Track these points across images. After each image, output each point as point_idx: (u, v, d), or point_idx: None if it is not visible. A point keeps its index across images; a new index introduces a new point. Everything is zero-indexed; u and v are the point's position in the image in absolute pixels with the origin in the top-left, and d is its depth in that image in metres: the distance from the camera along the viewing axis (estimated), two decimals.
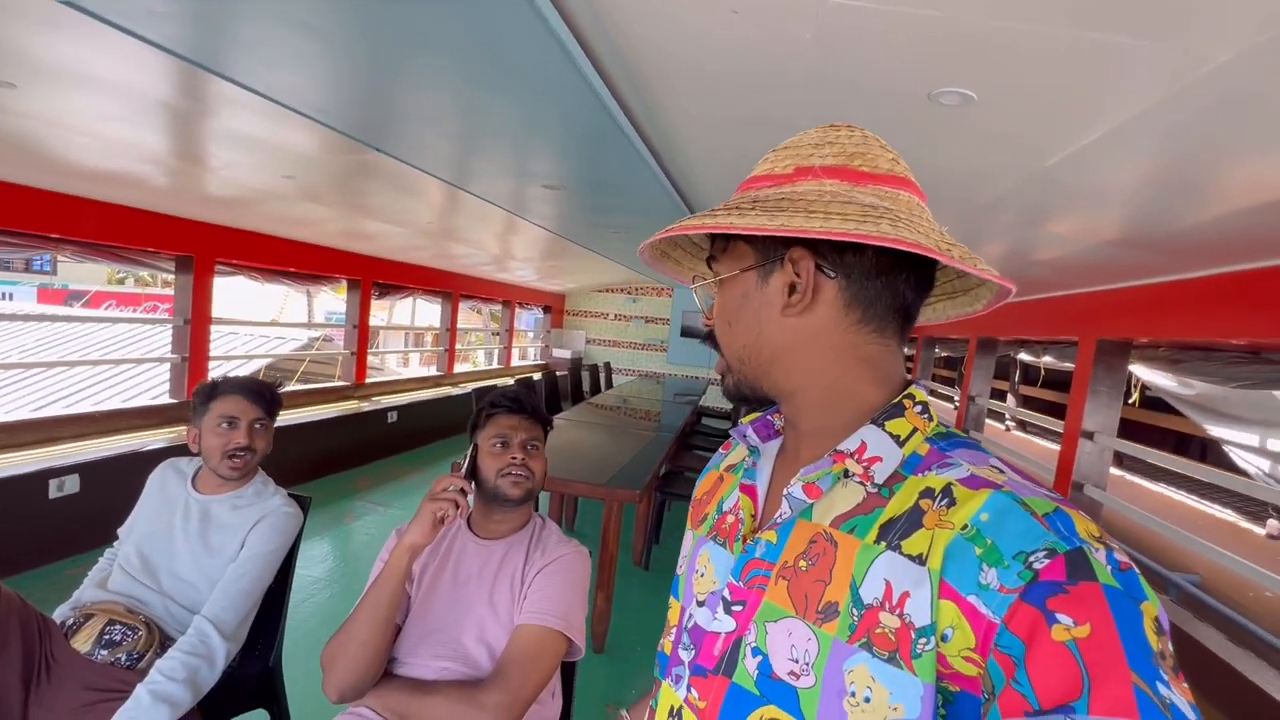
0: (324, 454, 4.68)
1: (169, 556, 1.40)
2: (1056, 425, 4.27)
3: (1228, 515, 4.06)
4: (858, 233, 0.47)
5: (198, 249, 3.91)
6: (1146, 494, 4.52)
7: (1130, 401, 4.42)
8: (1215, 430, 3.62)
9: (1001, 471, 0.47)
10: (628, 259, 6.30)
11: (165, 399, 4.05)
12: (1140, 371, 3.57)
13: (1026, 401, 6.48)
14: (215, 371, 4.45)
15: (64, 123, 2.17)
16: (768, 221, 0.49)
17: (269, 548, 1.41)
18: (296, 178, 2.97)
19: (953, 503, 0.46)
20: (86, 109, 2.03)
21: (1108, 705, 0.36)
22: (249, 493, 1.48)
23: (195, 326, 3.98)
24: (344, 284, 5.65)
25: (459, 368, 7.59)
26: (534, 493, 1.24)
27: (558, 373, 6.52)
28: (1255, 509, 4.00)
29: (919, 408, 0.54)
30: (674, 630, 0.63)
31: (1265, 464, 3.38)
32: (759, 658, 0.51)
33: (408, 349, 13.56)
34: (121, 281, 20.52)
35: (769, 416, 0.66)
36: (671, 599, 0.67)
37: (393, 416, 5.51)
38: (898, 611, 0.44)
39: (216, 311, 4.17)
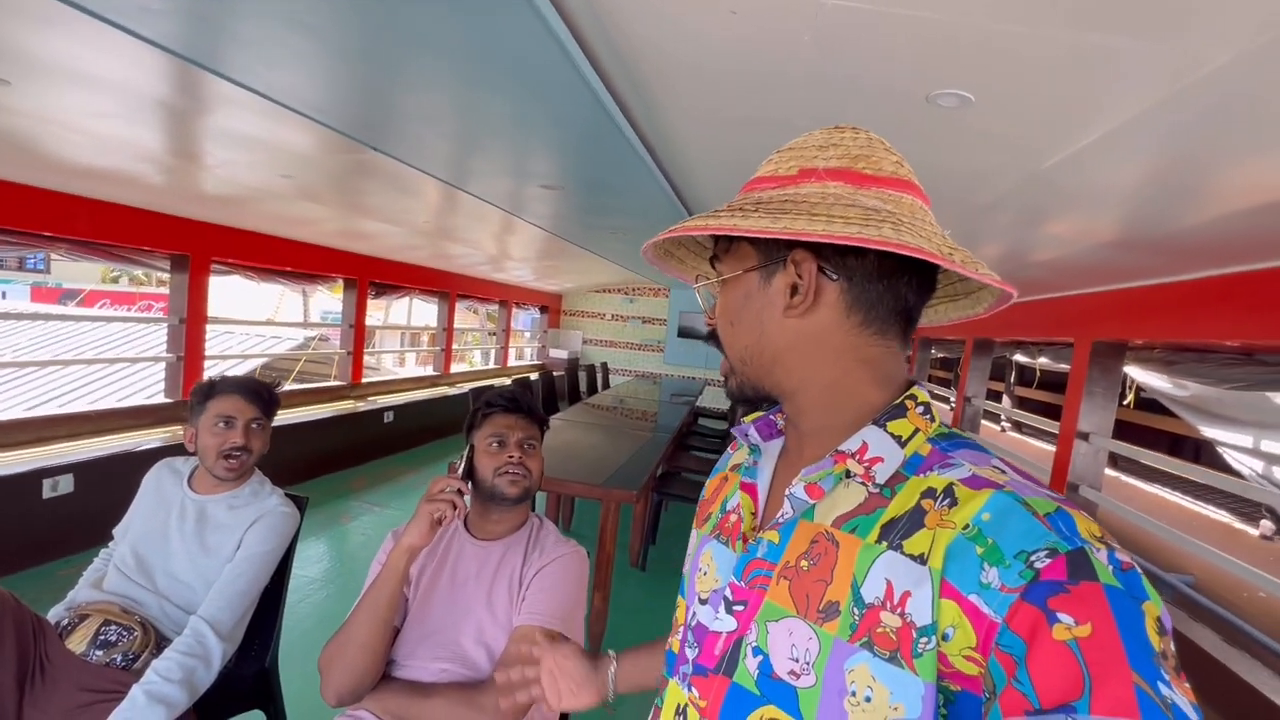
0: (320, 454, 4.67)
1: (165, 557, 1.40)
2: (1052, 426, 4.29)
3: (1221, 516, 4.09)
4: (859, 236, 0.47)
5: (193, 248, 3.89)
6: (1141, 495, 4.54)
7: (1125, 403, 4.44)
8: (1209, 431, 3.64)
9: (1003, 472, 0.47)
10: (625, 259, 6.29)
11: (160, 398, 4.02)
12: (1135, 373, 3.58)
13: (1022, 403, 6.50)
14: (211, 371, 4.43)
15: (58, 120, 2.15)
16: (770, 224, 0.49)
17: (266, 548, 1.40)
18: (293, 177, 2.96)
19: (954, 502, 0.46)
20: (81, 106, 2.02)
21: (1109, 705, 0.36)
22: (245, 493, 1.47)
23: (191, 326, 3.96)
24: (340, 283, 5.64)
25: (455, 367, 7.57)
26: (531, 491, 1.24)
27: (554, 373, 6.51)
28: (1248, 510, 4.02)
29: (921, 408, 0.54)
30: (680, 629, 0.63)
31: (1259, 465, 3.39)
32: (759, 657, 0.51)
33: (404, 349, 13.53)
34: (116, 280, 20.42)
35: (771, 416, 0.66)
36: (679, 598, 0.67)
37: (389, 416, 5.50)
38: (899, 611, 0.45)
39: (212, 311, 4.15)
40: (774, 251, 0.55)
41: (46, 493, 2.82)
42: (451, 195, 3.28)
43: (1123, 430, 3.60)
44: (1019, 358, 5.41)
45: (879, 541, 0.48)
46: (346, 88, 1.83)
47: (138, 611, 1.34)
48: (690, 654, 0.59)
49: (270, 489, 1.52)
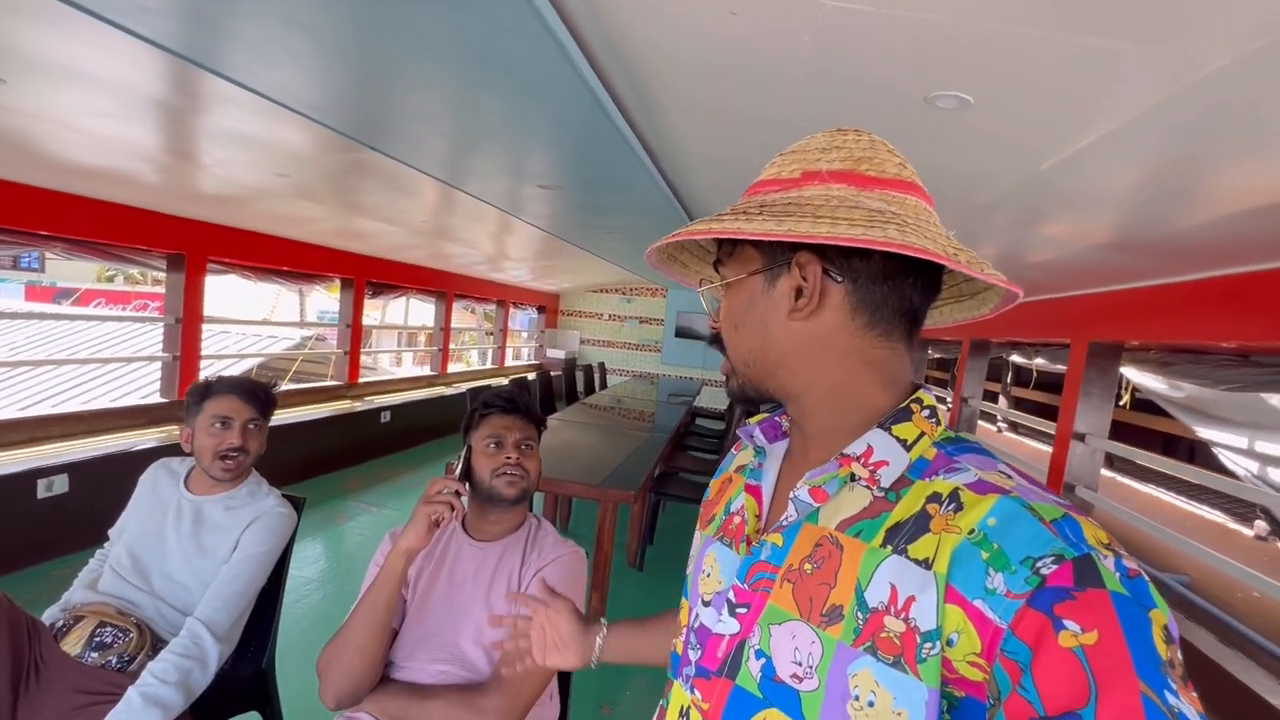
0: (316, 454, 4.65)
1: (161, 557, 1.39)
2: (1048, 427, 4.30)
3: (1216, 516, 4.10)
4: (864, 238, 0.47)
5: (190, 247, 3.88)
6: (1136, 495, 4.56)
7: (1121, 404, 4.46)
8: (1204, 432, 3.65)
9: (1010, 476, 0.47)
10: (623, 259, 6.29)
11: (156, 398, 4.01)
12: (1131, 374, 3.59)
13: (1018, 403, 6.52)
14: (207, 371, 4.42)
15: (54, 118, 2.14)
16: (775, 227, 0.49)
17: (263, 549, 1.40)
18: (290, 176, 2.95)
19: (960, 507, 0.45)
20: (77, 105, 2.01)
21: (1115, 713, 0.36)
22: (242, 493, 1.47)
23: (187, 325, 3.95)
24: (337, 283, 5.62)
25: (452, 367, 7.56)
26: (529, 492, 1.24)
27: (552, 373, 6.51)
28: (1243, 510, 4.04)
29: (926, 412, 0.54)
30: (683, 630, 0.63)
31: (1253, 465, 3.41)
32: (762, 660, 0.51)
33: (401, 349, 13.50)
34: (111, 279, 20.32)
35: (776, 418, 0.66)
36: (683, 599, 0.67)
37: (386, 416, 5.49)
38: (903, 615, 0.44)
39: (208, 310, 4.13)
40: (778, 254, 0.55)
41: (41, 493, 2.81)
42: (449, 195, 3.27)
43: (1118, 431, 3.61)
44: (1015, 358, 5.43)
45: (883, 545, 0.48)
46: (344, 86, 1.83)
47: (133, 613, 1.34)
48: (693, 656, 0.59)
49: (267, 490, 1.51)
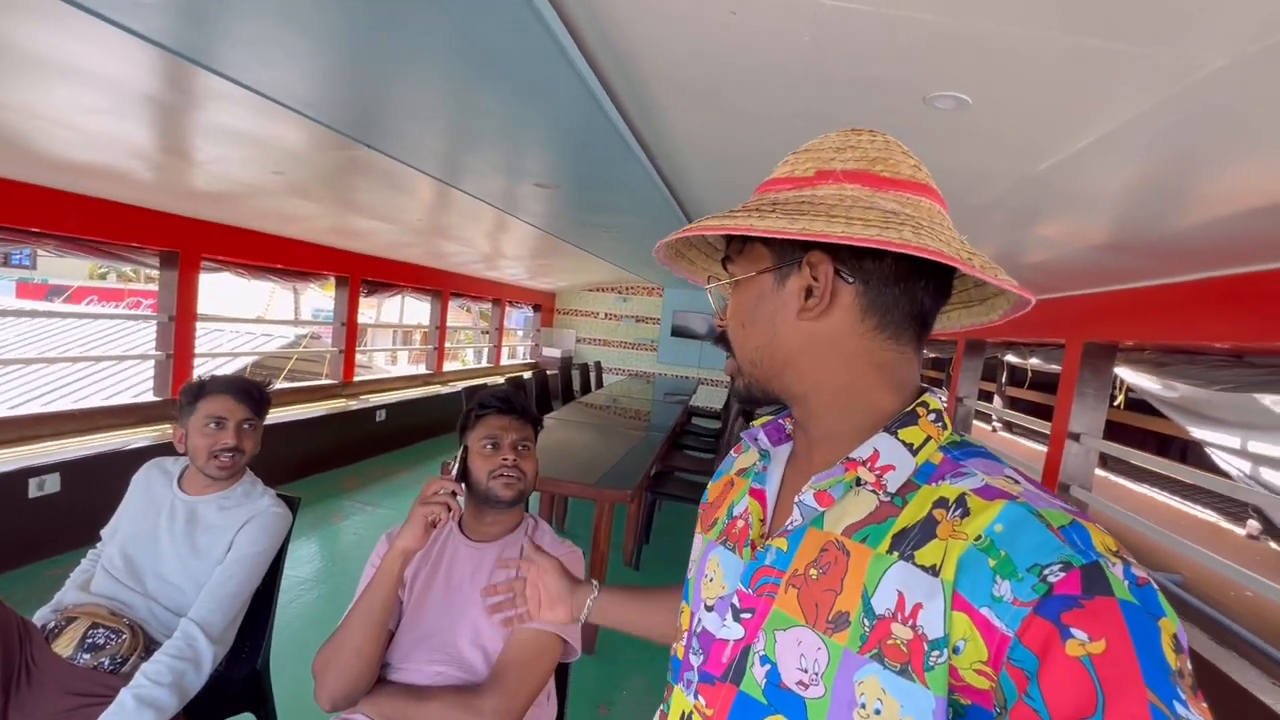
0: (311, 453, 4.63)
1: (154, 558, 1.38)
2: (1042, 426, 4.31)
3: (1209, 516, 4.12)
4: (879, 239, 0.46)
5: (183, 244, 3.85)
6: (1130, 495, 4.58)
7: (1115, 404, 4.48)
8: (1198, 432, 3.66)
9: (1017, 482, 0.47)
10: (619, 258, 6.28)
11: (149, 397, 3.98)
12: (1125, 374, 3.61)
13: (1013, 403, 6.54)
14: (200, 369, 4.39)
15: (46, 115, 2.12)
16: (788, 225, 0.49)
17: (257, 549, 1.39)
18: (285, 173, 2.93)
19: (966, 513, 0.45)
20: (70, 101, 1.99)
21: None
22: (237, 493, 1.45)
23: (180, 323, 3.92)
24: (332, 281, 5.59)
25: (448, 366, 7.54)
26: (526, 494, 1.23)
27: (548, 371, 6.49)
28: (1235, 510, 4.06)
29: (933, 415, 0.53)
30: (685, 635, 0.62)
31: (1246, 465, 3.42)
32: (767, 666, 0.51)
33: (396, 347, 13.46)
34: (103, 277, 20.18)
35: (780, 420, 0.66)
36: (682, 603, 0.66)
37: (381, 415, 5.47)
38: (910, 623, 0.44)
39: (202, 308, 4.11)
40: (789, 253, 0.54)
41: (32, 492, 2.78)
42: (445, 193, 3.26)
43: (1112, 431, 3.62)
44: (1010, 358, 5.44)
45: (890, 552, 0.47)
46: (339, 84, 1.82)
47: (126, 614, 1.32)
48: (695, 661, 0.58)
49: (262, 489, 1.50)
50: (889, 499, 0.50)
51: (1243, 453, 3.40)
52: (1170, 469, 3.44)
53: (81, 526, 2.48)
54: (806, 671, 0.48)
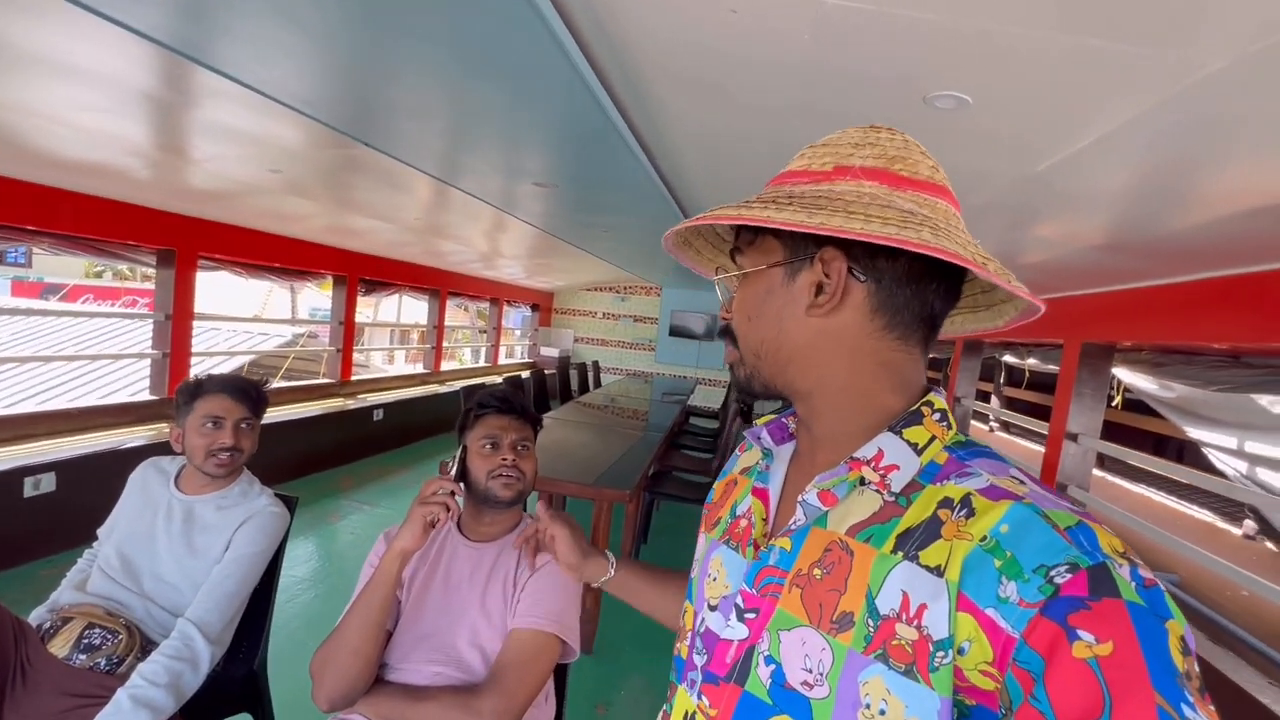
0: (308, 452, 4.62)
1: (151, 558, 1.37)
2: (1039, 427, 4.32)
3: (1205, 516, 4.13)
4: (898, 238, 0.46)
5: (180, 243, 3.84)
6: (1127, 495, 4.59)
7: (1113, 404, 4.48)
8: (1194, 432, 3.68)
9: (1022, 482, 0.47)
10: (618, 258, 6.28)
11: (145, 396, 3.96)
12: (1123, 374, 3.62)
13: (1010, 403, 6.55)
14: (197, 368, 4.37)
15: (42, 112, 2.11)
16: (806, 219, 0.48)
17: (255, 549, 1.38)
18: (283, 171, 2.92)
19: (972, 513, 0.45)
20: (66, 99, 1.98)
21: None
22: (234, 493, 1.45)
23: (177, 322, 3.91)
24: (330, 280, 5.58)
25: (446, 365, 7.53)
26: (525, 494, 1.23)
27: (546, 371, 6.49)
28: (1232, 510, 4.07)
29: (938, 415, 0.53)
30: (688, 634, 0.62)
31: (1243, 465, 3.43)
32: (772, 666, 0.50)
33: (394, 346, 13.44)
34: (99, 275, 20.10)
35: (784, 419, 0.65)
36: (686, 603, 0.66)
37: (378, 414, 5.45)
38: (915, 623, 0.44)
39: (199, 307, 4.09)
40: (801, 248, 0.53)
41: (28, 491, 2.77)
42: (443, 192, 3.25)
43: (1109, 431, 3.63)
44: (1008, 359, 5.45)
45: (894, 552, 0.47)
46: (337, 81, 1.81)
47: (123, 614, 1.32)
48: (699, 661, 0.58)
49: (259, 489, 1.49)
50: (893, 499, 0.50)
51: (1239, 453, 3.41)
52: (1168, 469, 3.45)
53: (77, 526, 2.46)
54: (811, 672, 0.48)
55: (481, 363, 8.98)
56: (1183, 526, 4.00)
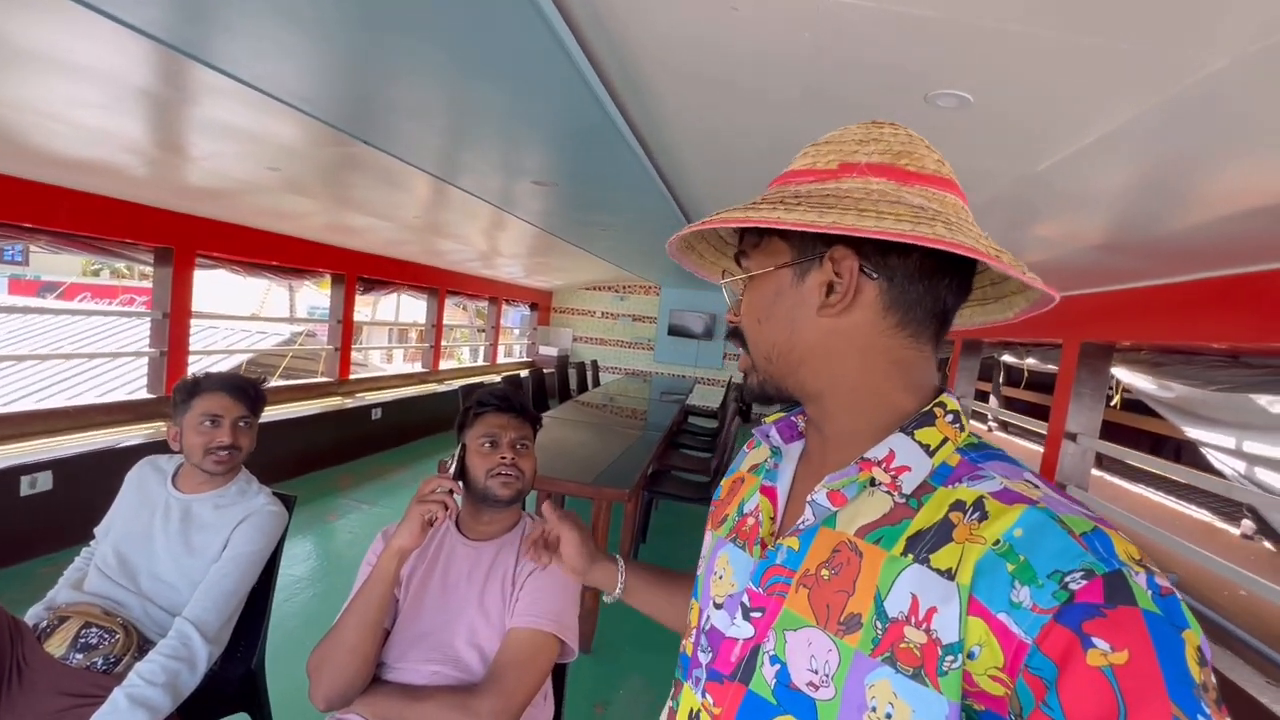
0: (306, 451, 4.61)
1: (148, 557, 1.36)
2: (1038, 426, 4.32)
3: (1203, 516, 4.14)
4: (913, 234, 0.45)
5: (178, 241, 3.83)
6: (1126, 494, 4.59)
7: (1111, 404, 4.49)
8: (1193, 432, 3.68)
9: (1036, 486, 0.46)
10: (617, 257, 6.27)
11: (142, 394, 3.95)
12: (1122, 374, 3.62)
13: (1009, 403, 6.55)
14: (195, 367, 4.37)
15: (39, 109, 2.10)
16: (817, 218, 0.47)
17: (253, 548, 1.37)
18: (281, 169, 2.91)
19: (984, 516, 0.44)
20: (63, 96, 1.97)
21: None
22: (232, 491, 1.44)
23: (175, 320, 3.90)
24: (328, 278, 5.57)
25: (444, 364, 7.52)
26: (524, 493, 1.22)
27: (544, 370, 6.48)
28: (1230, 509, 4.07)
29: (950, 416, 0.52)
30: (693, 632, 0.62)
31: (1241, 465, 3.44)
32: (777, 666, 0.50)
33: (392, 345, 13.42)
34: (97, 273, 20.06)
35: (792, 417, 0.65)
36: (692, 600, 0.66)
37: (377, 413, 5.45)
38: (924, 627, 0.43)
39: (196, 305, 4.08)
40: (810, 248, 0.53)
41: (24, 490, 2.76)
42: (442, 190, 3.24)
43: (1108, 431, 3.63)
44: (1007, 358, 5.45)
45: (905, 554, 0.46)
46: (336, 79, 1.80)
47: (120, 613, 1.31)
48: (704, 659, 0.58)
49: (258, 488, 1.49)
50: (904, 500, 0.49)
51: (1238, 453, 3.41)
52: (1167, 469, 3.45)
53: (74, 525, 2.45)
54: (817, 673, 0.48)
55: (480, 362, 8.97)
56: (1181, 526, 4.00)
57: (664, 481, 3.67)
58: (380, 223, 4.32)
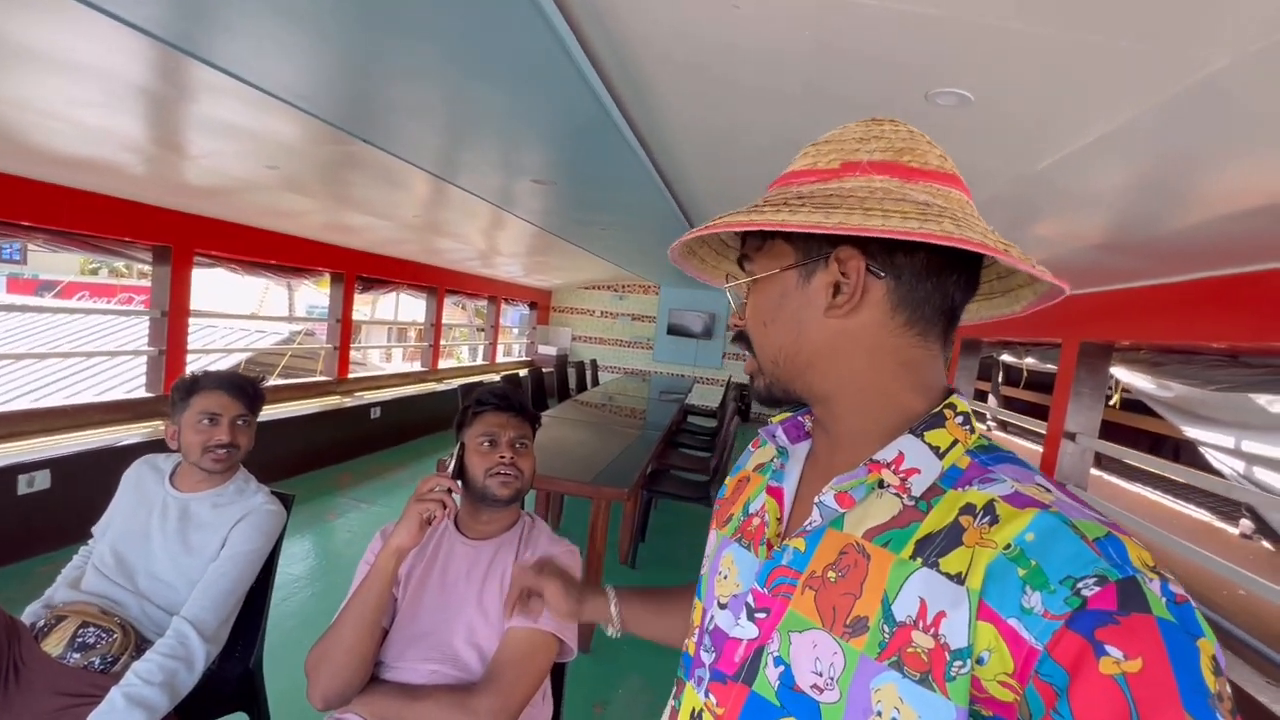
0: (305, 450, 4.60)
1: (146, 556, 1.36)
2: (1037, 426, 4.32)
3: (1202, 515, 4.14)
4: (921, 231, 0.45)
5: (176, 239, 3.82)
6: (1125, 494, 4.60)
7: (1110, 403, 4.49)
8: (1192, 431, 3.68)
9: (1048, 490, 0.45)
10: (616, 256, 6.27)
11: (141, 393, 3.95)
12: (1121, 374, 3.62)
13: (1008, 402, 6.56)
14: (193, 365, 4.36)
15: (37, 107, 2.09)
16: (823, 219, 0.47)
17: (251, 547, 1.37)
18: (280, 168, 2.91)
19: (995, 520, 0.44)
20: (61, 93, 1.96)
21: None
22: (230, 490, 1.44)
23: (173, 319, 3.89)
24: (327, 277, 5.56)
25: (443, 363, 7.51)
26: (523, 492, 1.22)
27: (544, 369, 6.48)
28: (1228, 509, 4.08)
29: (960, 418, 0.52)
30: (696, 631, 0.61)
31: (1239, 465, 3.44)
32: (781, 668, 0.50)
33: (391, 344, 13.40)
34: (95, 272, 20.02)
35: (799, 418, 0.64)
36: (696, 600, 0.65)
37: (376, 412, 5.44)
38: (932, 631, 0.43)
39: (195, 304, 4.07)
40: (815, 248, 0.52)
41: (22, 489, 2.75)
42: (441, 189, 3.24)
43: (1106, 430, 3.64)
44: (1006, 358, 5.46)
45: (913, 558, 0.46)
46: (335, 76, 1.80)
47: (117, 613, 1.30)
48: (706, 658, 0.57)
49: (255, 486, 1.48)
50: (913, 503, 0.48)
51: (1237, 452, 3.41)
52: (1165, 468, 3.46)
53: (72, 524, 2.45)
54: (821, 675, 0.47)
55: (479, 361, 8.97)
56: (1180, 526, 4.01)
57: (663, 481, 3.67)
58: (379, 221, 4.31)
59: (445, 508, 1.02)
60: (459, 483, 1.15)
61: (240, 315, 11.62)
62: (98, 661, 1.21)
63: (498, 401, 1.24)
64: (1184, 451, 4.66)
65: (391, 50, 1.56)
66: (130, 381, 6.75)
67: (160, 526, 1.37)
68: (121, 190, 3.35)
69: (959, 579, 0.43)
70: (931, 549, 0.45)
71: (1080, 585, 0.38)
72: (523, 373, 6.09)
